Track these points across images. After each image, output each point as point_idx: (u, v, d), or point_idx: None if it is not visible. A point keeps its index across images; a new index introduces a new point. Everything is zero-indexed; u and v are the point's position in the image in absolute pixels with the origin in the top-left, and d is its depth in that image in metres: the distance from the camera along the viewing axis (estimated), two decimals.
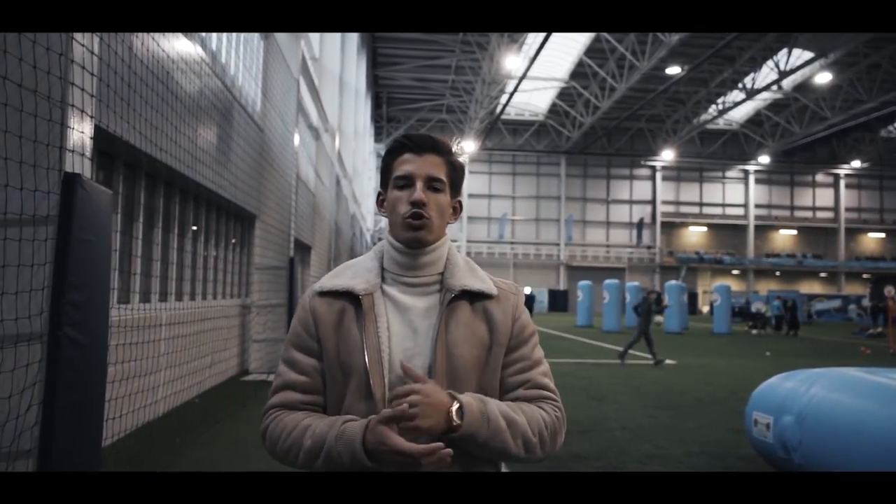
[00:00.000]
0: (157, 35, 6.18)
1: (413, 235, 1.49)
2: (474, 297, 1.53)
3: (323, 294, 1.52)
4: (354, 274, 1.54)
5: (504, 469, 1.59)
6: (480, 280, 1.56)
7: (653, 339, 14.66)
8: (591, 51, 36.54)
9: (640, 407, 8.82)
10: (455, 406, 1.36)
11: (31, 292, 3.31)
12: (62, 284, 3.31)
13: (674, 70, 34.00)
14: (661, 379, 11.87)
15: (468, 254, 51.35)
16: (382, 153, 1.62)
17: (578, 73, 39.70)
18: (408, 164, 1.51)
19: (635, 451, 6.33)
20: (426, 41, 36.32)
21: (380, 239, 1.59)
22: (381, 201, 1.58)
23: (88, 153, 3.74)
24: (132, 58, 5.36)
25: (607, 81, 37.22)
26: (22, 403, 3.29)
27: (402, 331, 1.47)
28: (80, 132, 3.64)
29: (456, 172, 1.57)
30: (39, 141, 3.39)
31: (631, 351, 14.77)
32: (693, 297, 48.42)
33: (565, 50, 37.34)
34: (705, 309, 49.93)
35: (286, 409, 1.50)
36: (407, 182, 1.50)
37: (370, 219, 46.26)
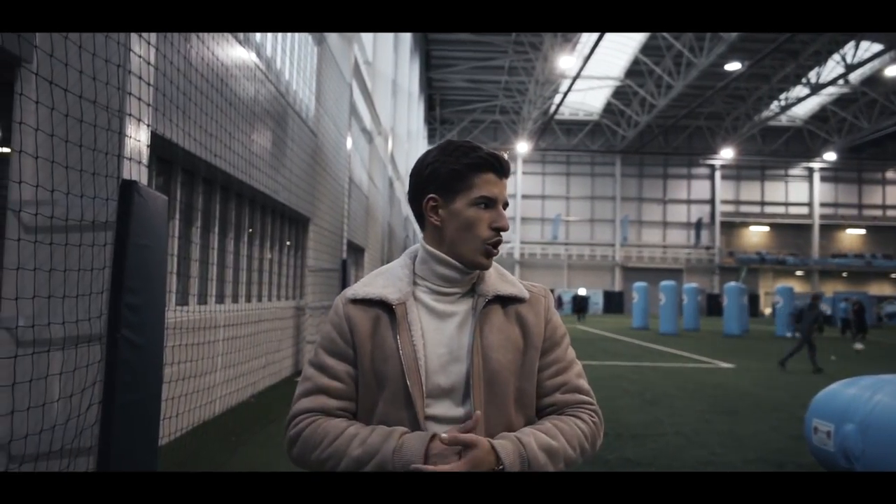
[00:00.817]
0: (213, 44, 6.35)
1: (487, 262, 1.50)
2: (506, 302, 1.53)
3: (356, 301, 1.52)
4: (386, 282, 1.53)
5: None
6: (511, 284, 1.56)
7: (816, 346, 14.15)
8: (647, 48, 35.93)
9: (696, 411, 8.61)
10: (499, 467, 1.35)
11: (90, 295, 3.45)
12: (120, 288, 3.42)
13: (733, 66, 33.12)
14: (719, 383, 11.58)
15: (521, 255, 51.13)
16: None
17: (634, 71, 39.07)
18: (493, 185, 1.49)
19: (689, 458, 6.18)
20: (479, 42, 36.33)
21: None
22: (433, 207, 1.51)
23: (145, 160, 3.86)
24: (188, 67, 5.52)
25: (664, 79, 36.53)
26: (83, 402, 3.43)
27: (437, 338, 1.47)
28: (137, 140, 3.76)
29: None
30: (99, 150, 3.52)
31: (687, 353, 14.45)
32: (754, 299, 47.10)
33: (620, 48, 36.80)
34: (767, 311, 48.44)
35: (322, 415, 1.47)
36: (489, 203, 1.48)
37: None
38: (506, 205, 1.53)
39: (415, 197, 1.54)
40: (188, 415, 5.78)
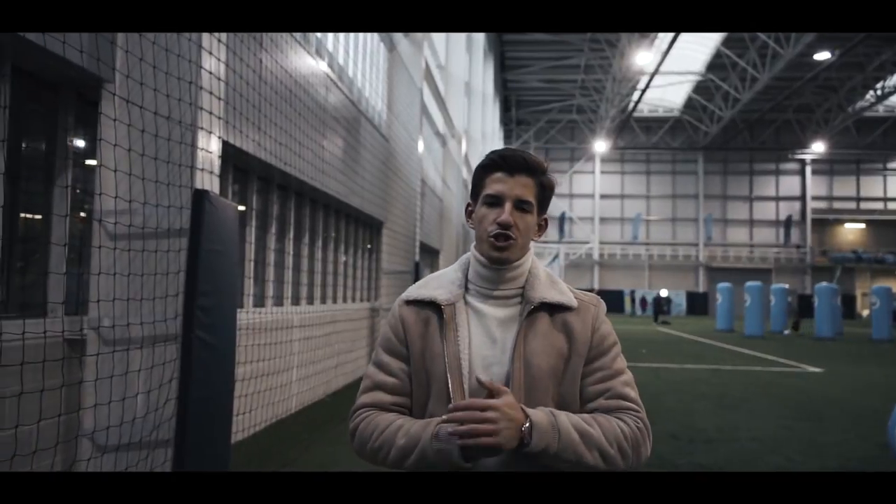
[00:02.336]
0: (281, 56, 6.62)
1: (497, 255, 1.55)
2: (554, 309, 1.56)
3: (410, 303, 1.61)
4: (439, 285, 1.62)
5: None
6: (560, 293, 1.59)
7: None
8: (729, 41, 34.68)
9: (776, 417, 8.30)
10: (527, 424, 1.39)
11: (166, 298, 3.70)
12: (193, 291, 3.66)
13: (823, 55, 31.52)
14: (804, 388, 11.10)
15: (601, 256, 50.32)
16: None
17: (716, 64, 37.78)
18: (499, 183, 1.54)
19: (763, 464, 5.99)
20: (554, 42, 36.02)
21: None
22: (469, 213, 1.63)
23: (216, 170, 4.11)
24: (259, 81, 5.79)
25: (748, 72, 35.14)
26: (160, 398, 3.68)
27: (482, 340, 1.54)
28: (208, 152, 4.01)
29: (545, 192, 1.61)
30: (173, 162, 3.78)
31: (772, 357, 13.89)
32: (850, 300, 44.66)
33: (701, 42, 35.68)
34: (865, 313, 45.82)
35: (376, 410, 1.56)
36: (496, 201, 1.54)
37: None
38: (524, 201, 1.54)
39: None
40: (264, 411, 6.05)
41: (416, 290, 1.63)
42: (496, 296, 1.58)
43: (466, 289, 1.61)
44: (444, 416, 1.44)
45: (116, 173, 3.53)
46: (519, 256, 1.58)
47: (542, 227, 1.63)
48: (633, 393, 1.56)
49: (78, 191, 4.17)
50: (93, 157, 4.07)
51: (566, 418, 1.44)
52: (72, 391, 3.56)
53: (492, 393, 1.40)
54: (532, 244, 1.66)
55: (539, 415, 1.41)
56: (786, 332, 23.59)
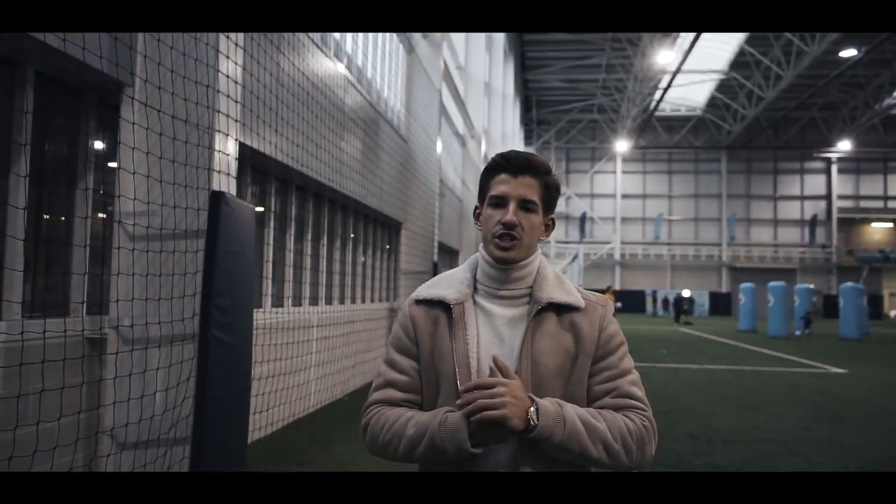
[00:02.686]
0: (298, 59, 6.70)
1: (502, 255, 1.58)
2: (561, 310, 1.59)
3: (420, 302, 1.65)
4: (448, 284, 1.65)
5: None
6: (568, 293, 1.61)
7: None
8: (753, 38, 34.28)
9: (797, 418, 8.21)
10: (533, 407, 1.43)
11: (184, 298, 3.77)
12: (210, 291, 3.72)
13: (849, 52, 31.04)
14: (827, 389, 10.96)
15: (622, 256, 49.99)
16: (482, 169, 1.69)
17: (739, 62, 37.36)
18: (503, 184, 1.57)
19: (782, 465, 5.94)
20: (575, 41, 35.89)
21: None
22: (477, 215, 1.66)
23: (233, 172, 4.17)
24: (277, 85, 5.87)
25: (772, 70, 34.73)
26: (178, 396, 3.76)
27: (491, 339, 1.57)
28: (225, 154, 4.07)
29: (550, 192, 1.62)
30: (190, 164, 3.85)
31: (795, 357, 13.73)
32: (877, 301, 43.90)
33: (723, 40, 35.30)
34: (893, 313, 45.10)
35: (387, 405, 1.60)
36: (500, 202, 1.57)
37: None
38: (528, 201, 1.57)
39: None
40: (283, 410, 6.12)
41: (425, 290, 1.66)
42: (504, 295, 1.60)
43: (475, 289, 1.63)
44: (457, 402, 1.47)
45: (135, 176, 3.60)
46: (525, 256, 1.60)
47: (548, 226, 1.65)
48: (639, 392, 1.57)
49: (101, 192, 4.27)
50: (113, 160, 4.16)
51: (572, 409, 1.47)
52: (92, 389, 3.65)
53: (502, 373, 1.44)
54: (539, 244, 1.67)
55: (545, 402, 1.45)
56: (797, 332, 23.63)
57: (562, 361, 1.54)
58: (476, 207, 1.67)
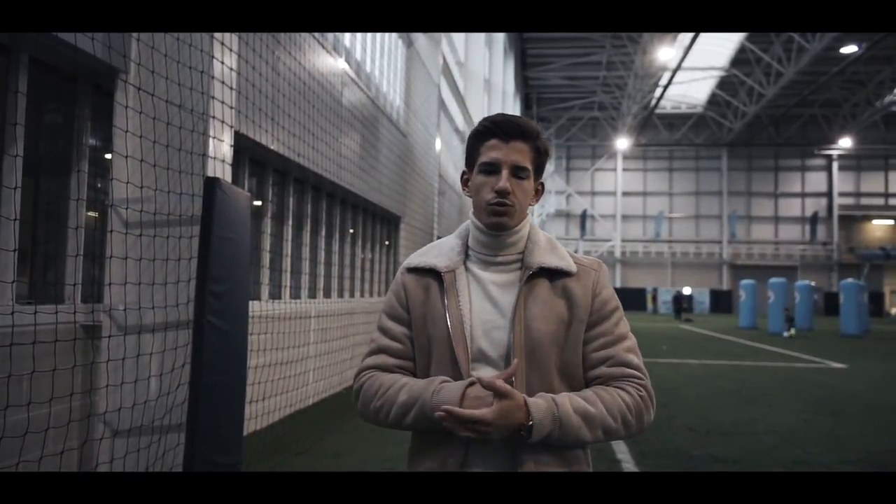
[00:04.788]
0: (297, 52, 6.68)
1: (496, 221, 1.55)
2: (553, 275, 1.56)
3: (411, 270, 1.63)
4: (439, 252, 1.63)
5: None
6: (560, 258, 1.58)
7: None
8: (753, 36, 34.18)
9: (796, 411, 8.20)
10: (529, 423, 1.39)
11: (178, 283, 3.76)
12: (204, 276, 3.71)
13: (850, 49, 30.96)
14: (826, 384, 10.95)
15: (623, 253, 49.96)
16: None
17: (740, 59, 37.30)
18: (494, 150, 1.54)
19: (781, 457, 5.93)
20: (575, 39, 35.84)
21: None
22: (465, 181, 1.63)
23: (228, 159, 4.16)
24: (275, 75, 5.85)
25: (773, 67, 34.67)
26: (173, 382, 3.75)
27: (483, 305, 1.55)
28: (221, 140, 4.06)
29: (541, 157, 1.58)
30: (185, 150, 3.84)
31: (795, 353, 13.71)
32: (878, 298, 43.90)
33: (725, 36, 35.23)
34: (894, 311, 45.07)
35: (381, 371, 1.59)
36: (492, 169, 1.53)
37: None
38: (520, 168, 1.53)
39: None
40: (280, 400, 6.11)
41: (416, 258, 1.65)
42: (496, 262, 1.59)
43: (467, 255, 1.62)
44: (448, 378, 1.48)
45: (130, 160, 3.59)
46: (517, 222, 1.58)
47: (538, 191, 1.62)
48: (636, 359, 1.55)
49: (99, 183, 4.26)
50: (108, 150, 4.15)
51: (568, 404, 1.44)
52: (86, 373, 3.64)
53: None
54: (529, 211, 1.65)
55: (540, 409, 1.41)
56: (784, 334, 23.39)
57: (555, 328, 1.51)
58: (464, 173, 1.64)
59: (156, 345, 3.68)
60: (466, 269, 1.60)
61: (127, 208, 3.60)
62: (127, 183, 3.51)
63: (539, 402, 1.42)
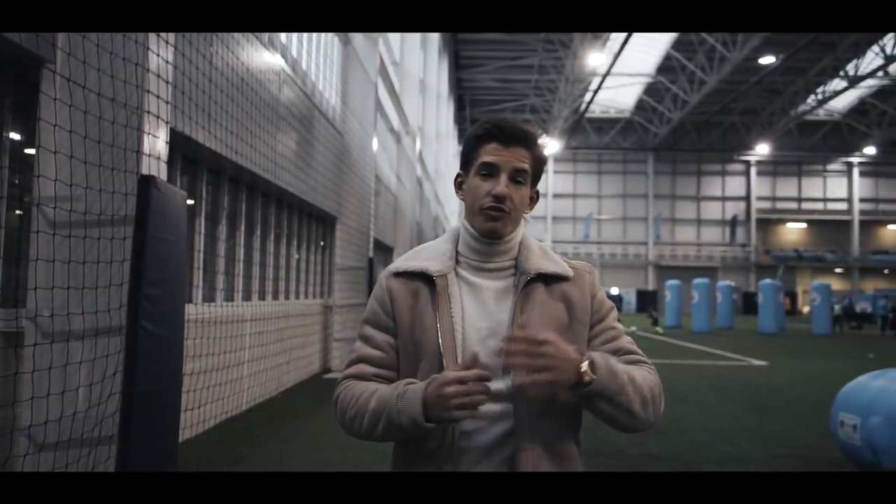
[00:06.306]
0: (235, 46, 6.46)
1: (490, 227, 1.50)
2: (549, 280, 1.53)
3: (398, 275, 1.56)
4: (429, 256, 1.57)
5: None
6: (555, 263, 1.56)
7: None
8: (678, 44, 35.43)
9: (725, 409, 8.49)
10: (586, 361, 1.35)
11: (110, 287, 3.55)
12: (139, 280, 3.51)
13: (768, 60, 32.45)
14: (750, 381, 11.39)
15: None
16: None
17: (666, 67, 38.58)
18: (494, 153, 1.49)
19: (714, 453, 6.11)
20: (508, 42, 36.24)
21: None
22: (458, 184, 1.59)
23: (164, 157, 3.95)
24: (211, 69, 5.63)
25: (696, 74, 36.01)
26: (104, 392, 3.52)
27: (477, 313, 1.49)
28: (156, 137, 3.85)
29: (539, 165, 1.55)
30: (118, 146, 3.62)
31: (719, 351, 14.24)
32: (792, 297, 46.15)
33: (651, 44, 36.35)
34: (805, 309, 47.45)
35: (358, 380, 1.54)
36: (491, 172, 1.49)
37: (454, 220, 46.54)
38: (519, 172, 1.49)
39: None
40: (214, 407, 5.88)
41: (404, 262, 1.58)
42: (489, 268, 1.54)
43: (457, 261, 1.57)
44: (412, 380, 1.42)
45: (58, 156, 3.36)
46: (511, 230, 1.54)
47: (533, 199, 1.59)
48: (639, 350, 1.57)
49: (17, 179, 3.98)
50: (32, 145, 3.89)
51: (615, 360, 1.42)
52: (7, 384, 3.39)
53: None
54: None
55: (595, 354, 1.39)
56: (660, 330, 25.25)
57: (554, 332, 1.46)
58: (458, 175, 1.58)
59: (85, 353, 3.45)
60: (457, 274, 1.55)
61: (55, 207, 3.36)
62: (55, 180, 3.28)
63: (594, 354, 1.39)
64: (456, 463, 1.41)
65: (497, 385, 1.42)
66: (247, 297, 8.18)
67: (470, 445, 1.42)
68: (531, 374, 1.31)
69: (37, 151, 3.42)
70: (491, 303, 1.51)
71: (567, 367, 1.32)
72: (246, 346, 7.25)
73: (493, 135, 1.51)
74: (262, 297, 8.70)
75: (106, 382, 3.51)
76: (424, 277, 1.53)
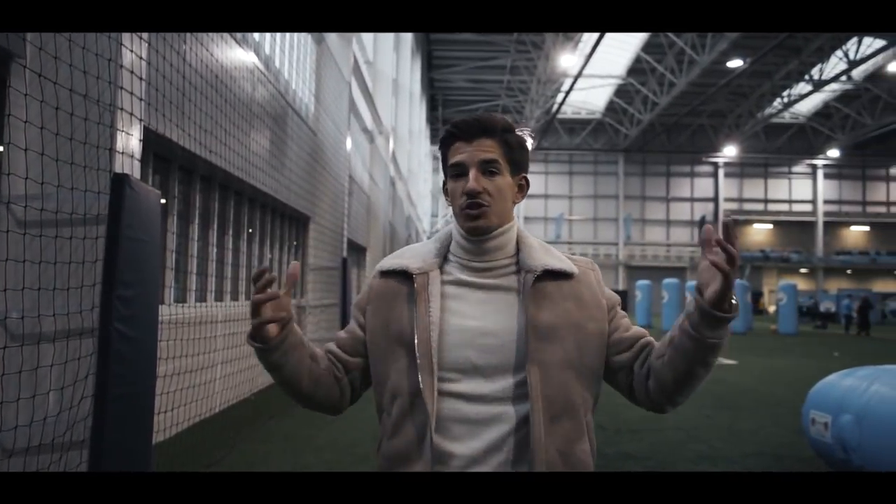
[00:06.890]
0: (210, 43, 6.37)
1: (472, 225, 1.48)
2: (556, 277, 1.50)
3: (383, 273, 1.57)
4: (413, 255, 1.56)
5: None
6: (559, 259, 1.53)
7: None
8: (648, 46, 35.85)
9: (697, 407, 8.59)
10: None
11: (82, 288, 3.46)
12: (111, 281, 3.43)
13: (735, 63, 33.01)
14: (721, 379, 11.54)
15: None
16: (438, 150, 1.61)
17: (636, 69, 38.99)
18: (459, 152, 1.49)
19: (688, 452, 6.18)
20: (481, 42, 36.30)
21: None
22: (445, 190, 1.57)
23: (137, 155, 3.87)
24: (185, 66, 5.54)
25: (666, 77, 36.45)
26: (75, 395, 3.44)
27: (465, 311, 1.47)
28: (129, 134, 3.77)
29: (513, 150, 1.52)
30: (90, 144, 3.54)
31: None
32: (758, 297, 46.96)
33: (622, 46, 36.73)
34: (772, 309, 48.32)
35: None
36: (460, 171, 1.48)
37: (426, 220, 46.51)
38: (489, 163, 1.47)
39: None
40: (187, 410, 5.79)
41: (388, 261, 1.58)
42: (482, 267, 1.51)
43: (447, 260, 1.55)
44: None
45: (28, 154, 3.27)
46: (498, 223, 1.50)
47: (522, 187, 1.57)
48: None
49: None
50: (0, 142, 3.78)
51: None
52: None
53: None
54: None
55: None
56: None
57: (565, 330, 1.46)
58: (444, 182, 1.58)
59: (56, 355, 3.36)
60: (444, 272, 1.53)
61: (25, 206, 3.27)
62: (25, 178, 3.19)
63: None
64: (441, 468, 1.39)
65: (490, 387, 1.41)
66: (219, 297, 8.06)
67: (454, 451, 1.38)
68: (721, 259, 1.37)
69: (6, 148, 3.33)
70: (485, 301, 1.48)
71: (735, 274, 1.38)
72: (219, 347, 7.15)
73: (455, 134, 1.51)
74: (234, 297, 8.59)
75: (78, 385, 3.42)
76: (405, 276, 1.52)
